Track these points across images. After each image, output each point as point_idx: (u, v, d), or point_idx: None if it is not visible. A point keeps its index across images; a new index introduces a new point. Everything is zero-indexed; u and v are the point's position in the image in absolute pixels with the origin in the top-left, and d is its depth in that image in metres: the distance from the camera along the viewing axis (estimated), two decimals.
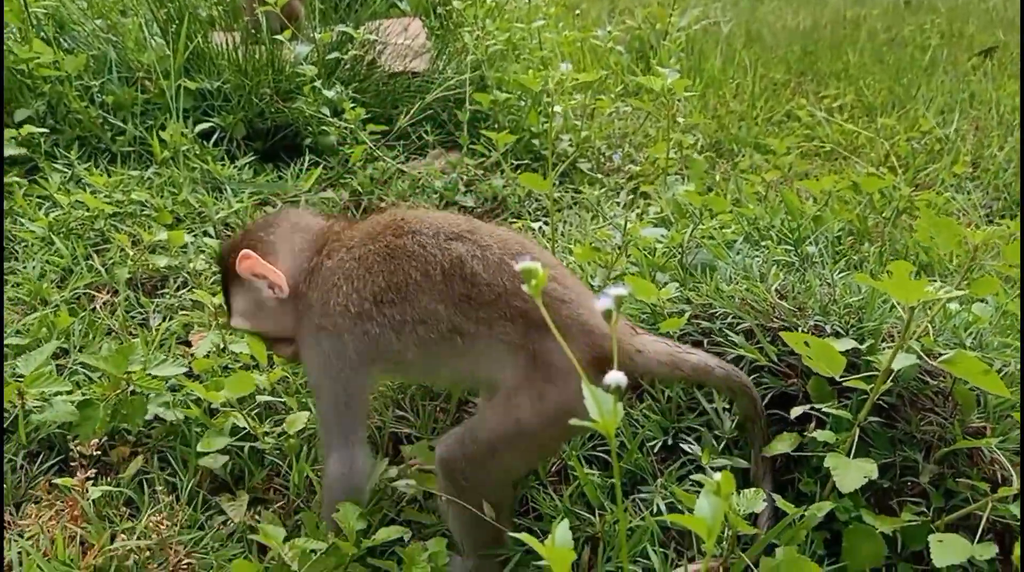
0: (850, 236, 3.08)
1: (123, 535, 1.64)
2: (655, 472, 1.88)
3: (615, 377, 0.87)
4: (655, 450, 1.90)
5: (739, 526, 1.44)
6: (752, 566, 1.50)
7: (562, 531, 0.98)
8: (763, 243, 2.44)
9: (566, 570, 0.95)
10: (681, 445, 1.87)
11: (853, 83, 5.16)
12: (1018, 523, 1.63)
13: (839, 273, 2.15)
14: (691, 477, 1.79)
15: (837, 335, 1.84)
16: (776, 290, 1.98)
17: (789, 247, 2.41)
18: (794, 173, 3.90)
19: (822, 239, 2.57)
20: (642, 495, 1.82)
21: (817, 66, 5.53)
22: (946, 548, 1.47)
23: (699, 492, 1.50)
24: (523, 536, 0.98)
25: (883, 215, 3.30)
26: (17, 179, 3.02)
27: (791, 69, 5.47)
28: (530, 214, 3.37)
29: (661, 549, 1.67)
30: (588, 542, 1.74)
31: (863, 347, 1.78)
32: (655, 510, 1.76)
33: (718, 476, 0.92)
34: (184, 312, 2.50)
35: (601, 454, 1.91)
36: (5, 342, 2.16)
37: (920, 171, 3.96)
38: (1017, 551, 1.48)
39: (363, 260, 1.64)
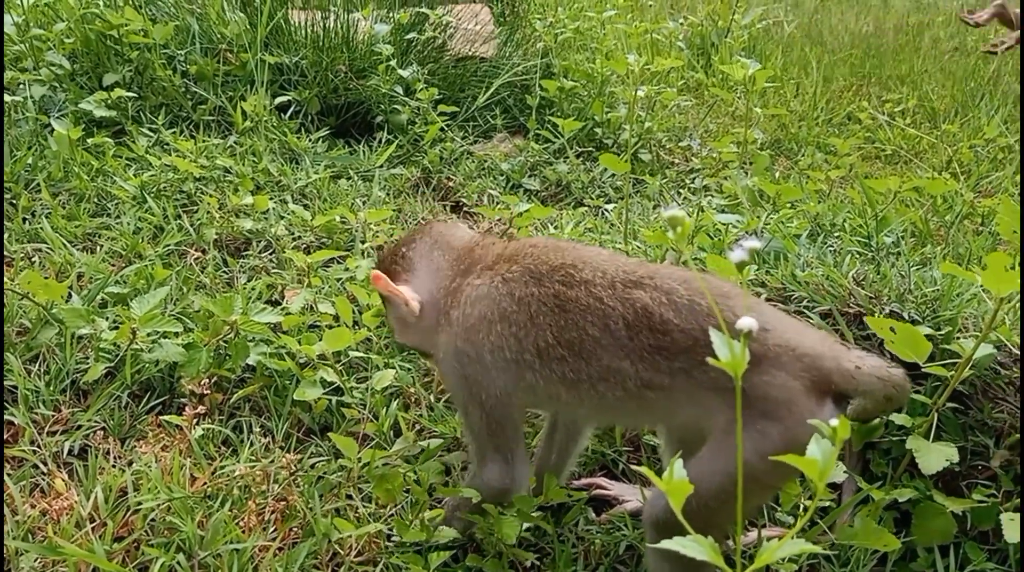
0: (912, 237, 3.12)
1: (227, 468, 1.75)
2: None
3: (746, 322, 0.93)
4: None
5: (821, 493, 1.50)
6: (827, 530, 1.57)
7: (678, 468, 1.06)
8: (835, 234, 2.49)
9: (681, 501, 1.03)
10: None
11: (916, 88, 5.16)
12: None
13: (913, 267, 2.20)
14: None
15: (914, 323, 1.89)
16: (852, 277, 2.04)
17: (862, 239, 2.46)
18: (855, 174, 3.93)
19: (892, 235, 2.61)
20: None
21: (880, 70, 5.54)
22: (1018, 525, 1.53)
23: None
24: (644, 469, 1.06)
25: (945, 219, 3.33)
26: (107, 139, 3.15)
27: (853, 72, 5.48)
28: (592, 200, 3.44)
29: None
30: None
31: (940, 335, 1.83)
32: None
33: (834, 422, 0.98)
34: (267, 274, 2.61)
35: None
36: (106, 290, 2.28)
37: (983, 178, 3.97)
38: None
39: (524, 304, 1.52)
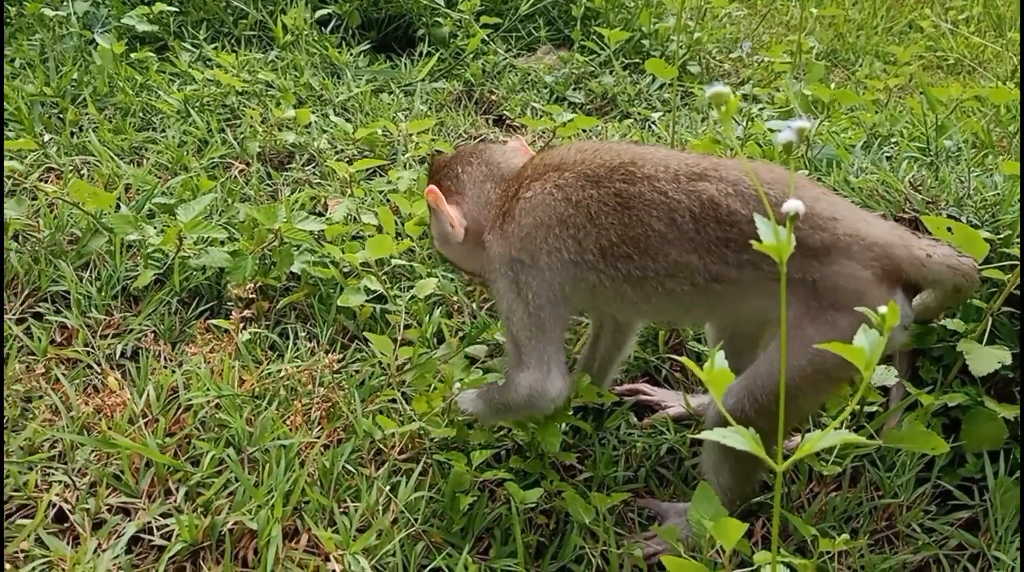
0: (973, 148, 2.99)
1: (273, 370, 1.78)
2: None
3: (793, 204, 0.89)
4: None
5: (869, 395, 1.48)
6: (874, 434, 1.55)
7: (719, 358, 1.04)
8: (892, 142, 2.40)
9: (722, 391, 1.02)
10: None
11: None
12: None
13: (973, 173, 2.11)
14: None
15: (973, 227, 1.82)
16: (909, 182, 1.96)
17: (920, 145, 2.37)
18: (915, 83, 3.77)
19: (952, 141, 2.51)
20: None
21: None
22: None
23: None
24: (684, 360, 1.04)
25: (1008, 129, 3.19)
26: (150, 54, 3.14)
27: None
28: (640, 112, 3.36)
29: None
30: None
31: (999, 239, 1.77)
32: None
33: (883, 309, 0.95)
34: (310, 186, 2.61)
35: None
36: (153, 200, 2.31)
37: None
38: None
39: (583, 206, 1.48)
